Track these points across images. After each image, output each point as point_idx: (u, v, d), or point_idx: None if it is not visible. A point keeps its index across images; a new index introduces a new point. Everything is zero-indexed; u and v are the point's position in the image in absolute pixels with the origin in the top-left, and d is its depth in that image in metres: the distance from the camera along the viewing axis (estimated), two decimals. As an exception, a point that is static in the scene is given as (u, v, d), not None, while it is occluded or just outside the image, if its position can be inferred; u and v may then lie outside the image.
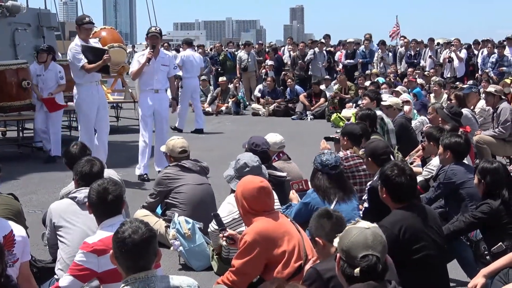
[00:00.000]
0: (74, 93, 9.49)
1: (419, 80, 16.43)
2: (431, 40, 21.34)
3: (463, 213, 5.84)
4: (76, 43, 9.26)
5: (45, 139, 11.53)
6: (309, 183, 6.25)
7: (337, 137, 7.85)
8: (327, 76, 19.86)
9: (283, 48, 24.92)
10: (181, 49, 16.95)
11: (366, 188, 6.09)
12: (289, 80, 19.56)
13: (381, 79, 16.57)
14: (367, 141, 7.02)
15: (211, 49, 27.67)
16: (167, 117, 10.15)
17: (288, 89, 19.44)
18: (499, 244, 4.91)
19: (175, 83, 11.65)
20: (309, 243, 4.62)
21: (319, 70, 20.26)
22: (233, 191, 5.81)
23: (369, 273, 3.18)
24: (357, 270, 3.17)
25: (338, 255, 3.31)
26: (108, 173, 5.93)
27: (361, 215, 5.94)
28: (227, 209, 5.70)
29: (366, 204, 5.99)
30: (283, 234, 4.71)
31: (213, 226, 5.72)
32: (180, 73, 14.80)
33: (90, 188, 4.46)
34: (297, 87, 19.41)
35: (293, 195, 6.43)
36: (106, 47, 10.55)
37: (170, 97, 10.69)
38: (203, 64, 16.93)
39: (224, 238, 5.19)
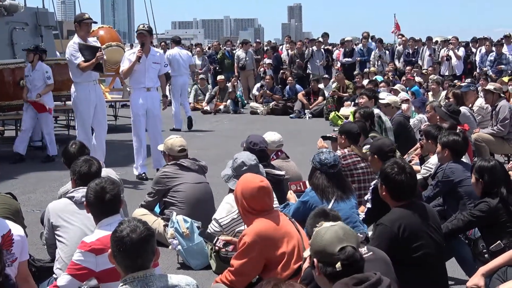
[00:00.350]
0: (72, 92, 9.48)
1: (417, 78, 16.43)
2: (429, 39, 21.36)
3: (461, 211, 5.84)
4: (74, 41, 9.25)
5: (21, 140, 11.35)
6: (307, 183, 6.23)
7: (334, 136, 7.85)
8: (326, 75, 19.85)
9: (281, 46, 24.91)
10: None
11: (370, 188, 6.07)
12: (290, 78, 19.54)
13: (379, 77, 16.57)
14: (375, 139, 7.03)
15: (209, 48, 27.66)
16: (160, 115, 10.14)
17: (288, 87, 19.40)
18: (498, 242, 4.90)
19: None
20: (308, 243, 4.60)
21: (317, 68, 20.26)
22: (231, 190, 5.80)
23: (350, 265, 3.17)
24: (338, 264, 3.15)
25: (314, 260, 3.27)
26: (107, 172, 5.92)
27: (359, 213, 5.94)
28: (226, 209, 5.69)
29: (369, 205, 5.97)
30: (282, 235, 4.68)
31: (212, 228, 5.70)
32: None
33: (87, 187, 4.45)
34: (297, 85, 19.42)
35: (291, 195, 6.42)
36: (104, 46, 10.55)
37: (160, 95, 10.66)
38: (192, 62, 17.01)
39: (223, 249, 5.18)
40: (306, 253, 3.40)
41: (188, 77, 16.60)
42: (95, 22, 10.08)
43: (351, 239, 3.25)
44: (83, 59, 9.05)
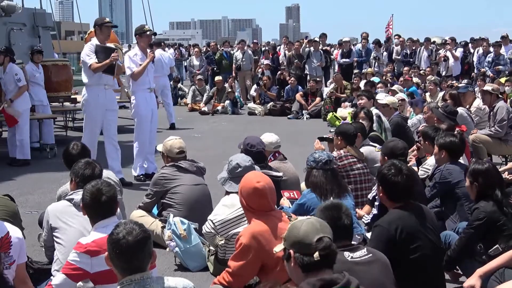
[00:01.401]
0: (83, 93, 9.43)
1: (415, 79, 16.43)
2: (427, 40, 21.35)
3: (458, 213, 5.85)
4: (91, 43, 9.18)
5: (13, 144, 11.22)
6: (301, 193, 6.26)
7: (331, 137, 7.85)
8: (318, 78, 19.63)
9: (279, 46, 24.88)
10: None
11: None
12: (293, 78, 19.48)
13: (376, 79, 16.58)
14: (387, 141, 7.04)
15: (206, 49, 27.64)
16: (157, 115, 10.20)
17: (288, 87, 19.29)
18: (496, 246, 4.87)
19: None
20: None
21: (315, 69, 20.23)
22: (227, 192, 5.81)
23: (328, 255, 3.22)
24: (316, 254, 3.20)
25: (290, 252, 3.29)
26: (107, 174, 5.93)
27: (365, 214, 5.94)
28: (222, 211, 5.67)
29: (374, 210, 5.96)
30: (280, 239, 4.66)
31: (206, 228, 5.70)
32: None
33: (84, 189, 4.45)
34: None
35: (284, 200, 6.44)
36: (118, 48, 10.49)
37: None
38: (173, 64, 17.21)
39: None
40: (278, 248, 3.42)
41: (167, 79, 16.69)
42: (116, 26, 10.04)
43: (327, 231, 3.30)
44: (96, 60, 8.99)
